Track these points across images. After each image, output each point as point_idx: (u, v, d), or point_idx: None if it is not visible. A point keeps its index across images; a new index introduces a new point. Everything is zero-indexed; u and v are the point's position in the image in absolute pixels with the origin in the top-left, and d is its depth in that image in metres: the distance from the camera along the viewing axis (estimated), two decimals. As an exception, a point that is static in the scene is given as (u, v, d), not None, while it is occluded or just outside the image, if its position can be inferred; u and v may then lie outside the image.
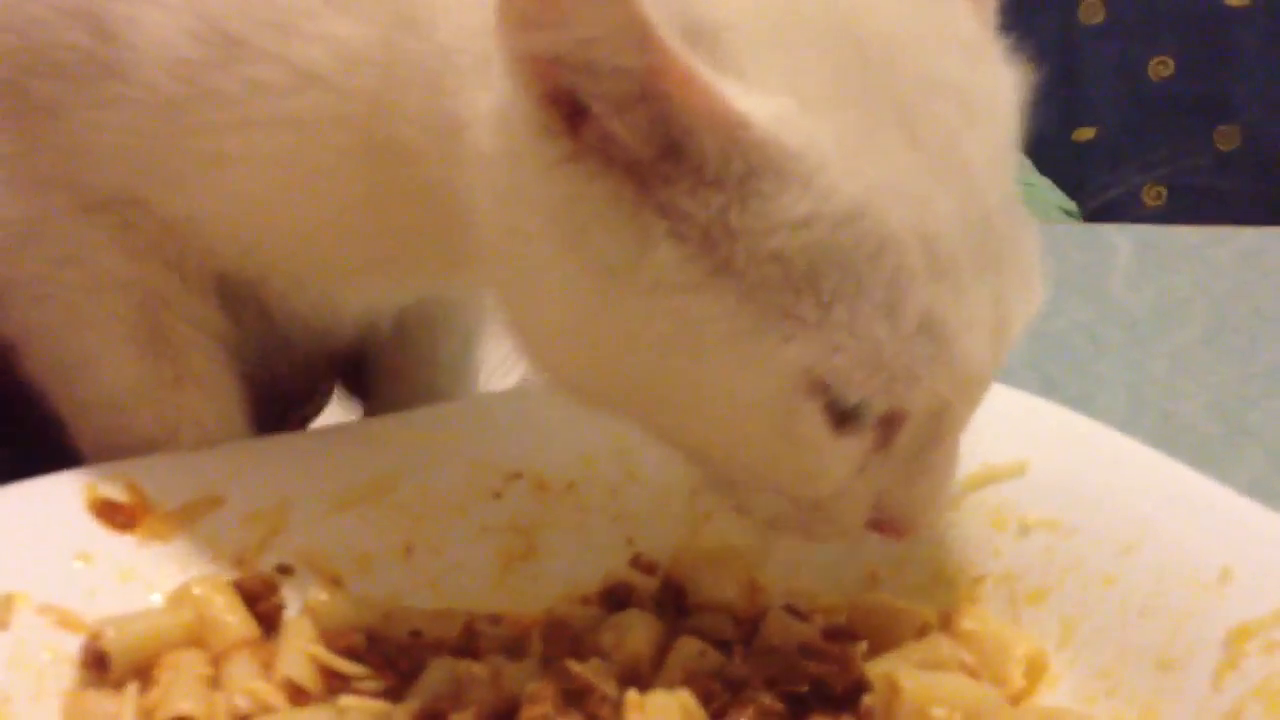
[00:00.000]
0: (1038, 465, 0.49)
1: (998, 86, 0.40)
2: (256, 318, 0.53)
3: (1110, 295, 0.88)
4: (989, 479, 0.49)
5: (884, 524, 0.42)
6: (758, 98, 0.36)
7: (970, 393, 0.40)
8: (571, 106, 0.37)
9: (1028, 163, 1.96)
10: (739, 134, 0.36)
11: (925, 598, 0.48)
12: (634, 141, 0.36)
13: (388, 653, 0.45)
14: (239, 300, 0.52)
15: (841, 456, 0.39)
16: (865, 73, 0.37)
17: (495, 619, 0.48)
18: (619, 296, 0.38)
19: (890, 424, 0.39)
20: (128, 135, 0.47)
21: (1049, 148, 1.99)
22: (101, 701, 0.42)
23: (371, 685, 0.44)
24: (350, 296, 0.53)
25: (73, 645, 0.44)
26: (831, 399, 0.38)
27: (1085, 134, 2.00)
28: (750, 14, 0.37)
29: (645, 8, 0.34)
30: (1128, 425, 0.50)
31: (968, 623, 0.45)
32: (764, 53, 0.37)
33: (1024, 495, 0.49)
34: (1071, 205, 1.90)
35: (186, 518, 0.48)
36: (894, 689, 0.41)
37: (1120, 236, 0.95)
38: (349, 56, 0.43)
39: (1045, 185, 1.92)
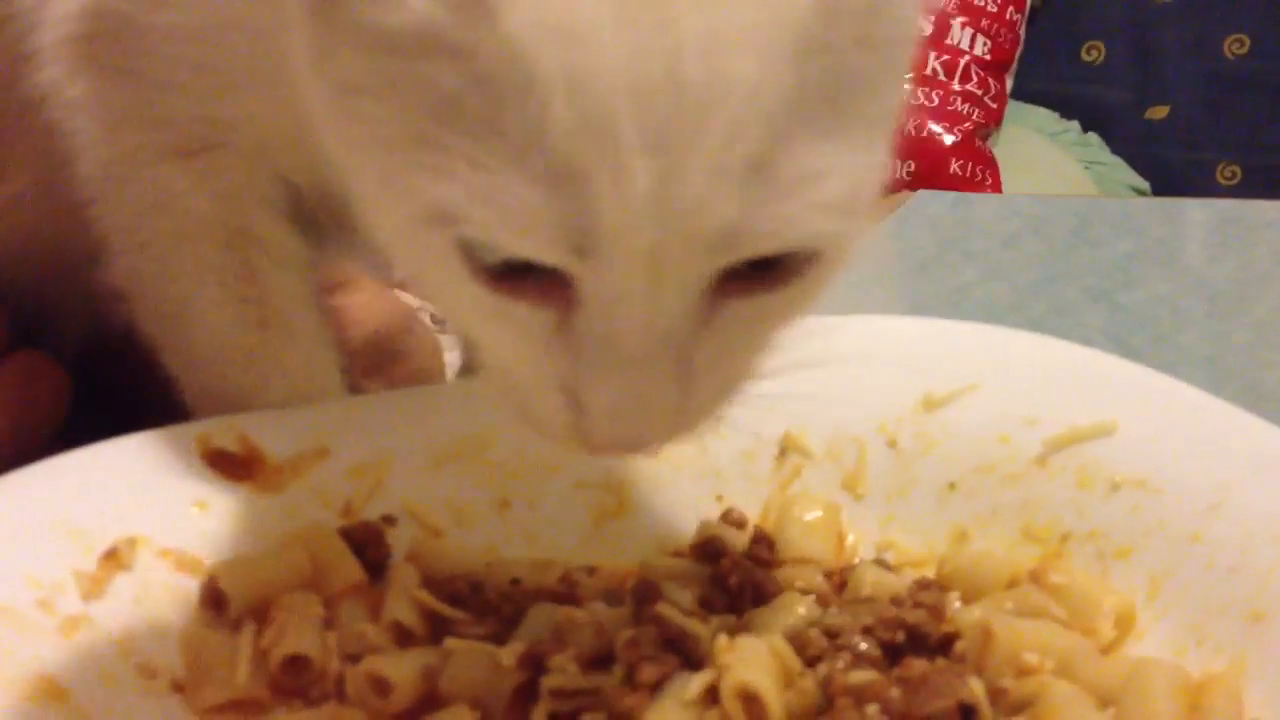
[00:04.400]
0: (1125, 426, 0.50)
1: None
2: (335, 243, 0.55)
3: (1190, 268, 0.88)
4: (1076, 438, 0.50)
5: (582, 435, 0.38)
6: None
7: (618, 264, 0.34)
8: None
9: (1099, 141, 1.95)
10: None
11: (1012, 554, 0.49)
12: None
13: (489, 599, 0.47)
14: (317, 227, 0.54)
15: (494, 312, 0.37)
16: None
17: (591, 570, 0.49)
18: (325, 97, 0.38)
19: (559, 295, 0.36)
20: (189, 48, 0.48)
21: (1121, 126, 1.98)
22: (220, 640, 0.44)
23: (474, 630, 0.45)
24: None
25: (191, 586, 0.46)
26: (459, 236, 0.35)
27: (1158, 113, 1.98)
28: None
29: None
30: (1211, 394, 0.50)
31: (1056, 577, 0.46)
32: None
33: (1111, 455, 0.49)
34: (1143, 184, 1.89)
35: (296, 469, 0.50)
36: (986, 635, 0.42)
37: (1198, 211, 0.95)
38: None
39: (1116, 164, 1.91)
